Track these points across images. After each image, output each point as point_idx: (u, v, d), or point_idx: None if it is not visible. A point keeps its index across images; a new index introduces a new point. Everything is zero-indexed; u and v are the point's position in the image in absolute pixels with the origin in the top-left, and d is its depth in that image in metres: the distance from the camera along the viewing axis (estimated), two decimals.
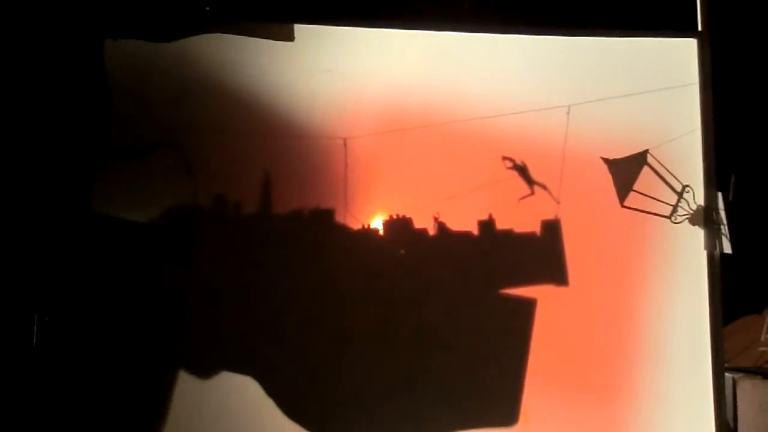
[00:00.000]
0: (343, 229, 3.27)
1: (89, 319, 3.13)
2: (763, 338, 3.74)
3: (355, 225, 3.29)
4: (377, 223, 3.30)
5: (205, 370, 3.17)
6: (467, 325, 3.28)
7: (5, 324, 3.09)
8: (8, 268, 3.12)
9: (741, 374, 3.42)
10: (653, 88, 3.44)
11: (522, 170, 3.24)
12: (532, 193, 3.27)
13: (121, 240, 3.18)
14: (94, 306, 3.14)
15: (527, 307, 3.27)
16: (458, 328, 3.28)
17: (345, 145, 3.30)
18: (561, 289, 3.33)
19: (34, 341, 3.10)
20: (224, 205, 3.24)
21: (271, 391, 3.17)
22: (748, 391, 3.36)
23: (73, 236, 3.15)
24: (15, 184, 3.14)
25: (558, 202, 3.26)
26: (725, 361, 3.38)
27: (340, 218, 3.28)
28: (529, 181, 3.26)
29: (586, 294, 3.36)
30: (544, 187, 3.27)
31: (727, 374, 3.38)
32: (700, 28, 3.51)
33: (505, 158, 3.26)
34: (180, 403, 3.15)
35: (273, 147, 3.28)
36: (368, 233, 3.29)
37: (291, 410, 3.17)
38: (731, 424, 3.36)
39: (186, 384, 3.16)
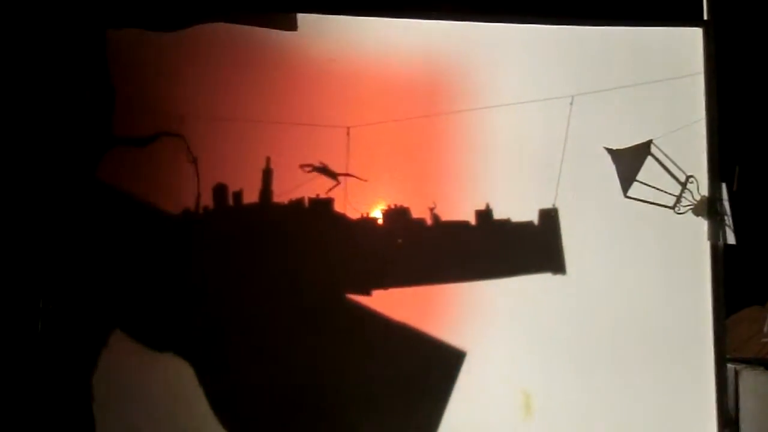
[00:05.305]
0: (343, 219, 3.29)
1: (92, 307, 3.16)
2: (765, 330, 3.72)
3: (354, 215, 3.30)
4: (376, 213, 3.31)
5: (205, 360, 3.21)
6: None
7: (10, 311, 3.12)
8: (12, 256, 3.14)
9: (743, 365, 3.41)
10: (657, 78, 3.41)
11: (323, 170, 3.28)
12: (338, 182, 3.28)
13: (122, 228, 3.20)
14: (95, 293, 3.18)
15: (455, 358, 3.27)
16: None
17: (348, 134, 3.30)
18: (562, 279, 3.34)
19: (39, 327, 3.13)
20: (225, 194, 3.25)
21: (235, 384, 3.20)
22: (750, 382, 3.34)
23: (75, 224, 3.18)
24: (18, 174, 3.16)
25: (365, 180, 3.27)
26: (727, 352, 3.38)
27: (339, 207, 3.29)
28: (332, 175, 3.28)
29: (589, 284, 3.36)
30: (348, 174, 3.28)
31: (729, 365, 3.38)
32: (705, 17, 3.48)
33: (302, 166, 3.28)
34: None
35: (275, 135, 3.28)
36: (367, 222, 3.30)
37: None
38: (733, 414, 3.35)
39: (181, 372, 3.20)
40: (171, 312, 3.20)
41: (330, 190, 3.26)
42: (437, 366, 3.25)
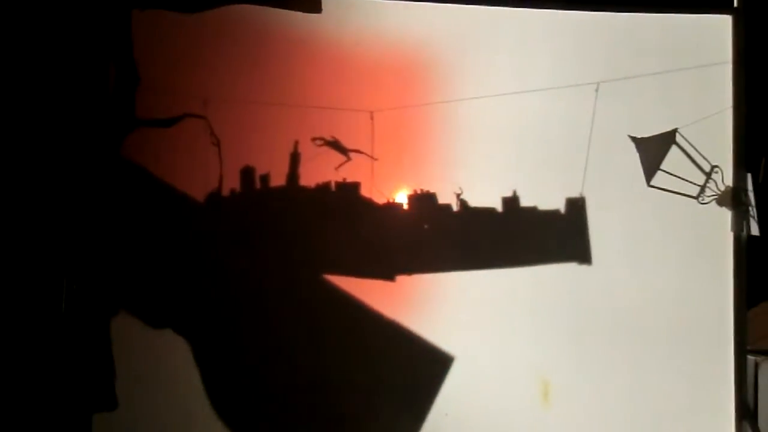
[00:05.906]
0: (369, 203, 3.29)
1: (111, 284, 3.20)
2: None
3: (381, 199, 3.30)
4: (402, 198, 3.31)
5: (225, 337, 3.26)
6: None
7: (34, 290, 3.15)
8: (36, 235, 3.16)
9: (764, 357, 3.40)
10: (685, 65, 3.38)
11: (334, 144, 3.26)
12: (349, 158, 3.28)
13: (146, 210, 3.22)
14: (119, 271, 3.21)
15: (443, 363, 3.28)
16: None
17: (372, 117, 3.29)
18: (584, 268, 3.33)
19: (63, 307, 3.16)
20: (251, 177, 3.26)
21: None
22: None
23: (98, 204, 3.19)
24: (42, 154, 3.17)
25: (375, 159, 3.26)
26: (748, 343, 3.37)
27: (366, 192, 3.29)
28: (343, 151, 3.27)
29: (610, 273, 3.35)
30: (358, 151, 3.28)
31: (749, 356, 3.37)
32: (735, 5, 3.43)
33: (314, 139, 3.26)
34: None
35: (299, 119, 3.27)
36: (393, 207, 3.30)
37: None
38: (751, 406, 3.35)
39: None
40: (186, 292, 3.23)
41: (340, 166, 3.25)
42: (425, 370, 3.28)
